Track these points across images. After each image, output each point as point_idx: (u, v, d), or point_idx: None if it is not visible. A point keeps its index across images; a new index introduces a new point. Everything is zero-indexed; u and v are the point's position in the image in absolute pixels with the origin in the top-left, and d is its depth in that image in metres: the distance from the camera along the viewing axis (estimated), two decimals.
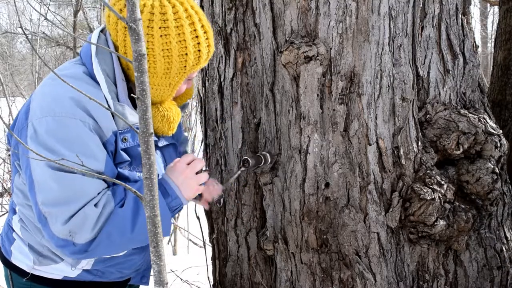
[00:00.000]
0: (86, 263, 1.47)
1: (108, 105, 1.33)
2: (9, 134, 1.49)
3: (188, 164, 1.41)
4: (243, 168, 1.69)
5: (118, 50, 1.38)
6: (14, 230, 1.52)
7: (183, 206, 1.43)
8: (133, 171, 1.42)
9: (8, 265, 1.54)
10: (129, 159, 1.39)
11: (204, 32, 1.37)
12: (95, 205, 1.28)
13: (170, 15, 1.30)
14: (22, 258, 1.50)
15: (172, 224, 4.75)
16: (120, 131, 1.35)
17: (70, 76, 1.35)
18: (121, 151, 1.37)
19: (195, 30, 1.34)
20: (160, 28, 1.30)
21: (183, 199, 1.39)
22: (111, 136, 1.34)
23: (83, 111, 1.29)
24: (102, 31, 1.44)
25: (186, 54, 1.34)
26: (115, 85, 1.36)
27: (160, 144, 1.52)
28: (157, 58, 1.32)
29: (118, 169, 1.38)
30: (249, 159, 1.70)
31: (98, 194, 1.31)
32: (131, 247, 1.39)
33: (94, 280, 1.53)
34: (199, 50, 1.36)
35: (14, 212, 1.52)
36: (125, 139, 1.37)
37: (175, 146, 1.63)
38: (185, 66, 1.36)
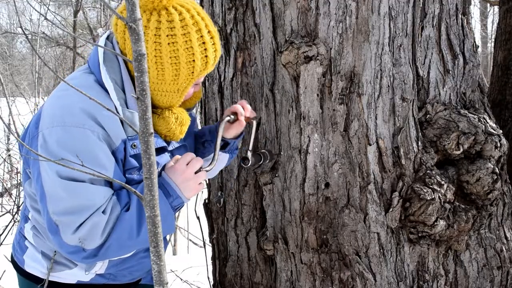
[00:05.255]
0: (100, 268, 1.50)
1: (118, 112, 1.34)
2: (19, 142, 1.51)
3: (187, 164, 1.42)
4: (243, 165, 1.70)
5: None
6: (26, 238, 1.54)
7: (184, 204, 1.46)
8: (142, 175, 1.43)
9: (22, 273, 1.57)
10: (137, 165, 1.41)
11: (211, 38, 1.38)
12: (103, 212, 1.31)
13: (177, 22, 1.31)
14: (35, 265, 1.52)
15: None
16: (130, 138, 1.38)
17: (79, 86, 1.36)
18: (130, 158, 1.39)
19: (201, 36, 1.35)
20: (167, 36, 1.31)
21: (184, 198, 1.42)
22: (121, 144, 1.36)
23: (92, 120, 1.30)
24: (108, 38, 1.46)
25: (194, 60, 1.35)
26: (124, 92, 1.38)
27: (170, 147, 1.53)
28: (165, 66, 1.34)
29: (127, 175, 1.40)
30: (248, 157, 1.70)
31: (105, 201, 1.33)
32: (139, 248, 1.42)
33: (107, 283, 1.56)
34: (206, 56, 1.37)
35: (26, 220, 1.54)
36: (134, 146, 1.39)
37: (186, 148, 1.64)
38: (193, 72, 1.37)
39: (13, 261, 1.61)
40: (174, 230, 1.50)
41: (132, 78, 1.40)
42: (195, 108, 1.73)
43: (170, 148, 1.53)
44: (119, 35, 1.38)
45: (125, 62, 1.40)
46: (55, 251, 1.48)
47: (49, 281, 1.51)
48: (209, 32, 1.37)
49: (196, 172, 1.42)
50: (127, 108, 1.37)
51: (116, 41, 1.41)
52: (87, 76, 1.41)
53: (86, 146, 1.29)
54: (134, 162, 1.40)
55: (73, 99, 1.32)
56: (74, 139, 1.29)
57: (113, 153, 1.34)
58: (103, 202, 1.31)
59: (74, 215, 1.28)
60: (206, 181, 2.18)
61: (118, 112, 1.34)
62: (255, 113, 1.67)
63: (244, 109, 1.60)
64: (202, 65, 1.37)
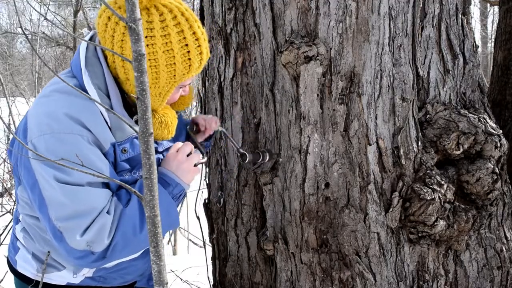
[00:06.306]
0: (88, 271, 1.49)
1: (104, 118, 1.31)
2: (9, 149, 1.49)
3: (177, 151, 1.41)
4: (242, 151, 1.71)
5: (107, 59, 1.36)
6: (18, 239, 1.54)
7: (186, 192, 1.44)
8: (134, 175, 1.42)
9: (15, 273, 1.57)
10: (129, 167, 1.39)
11: (196, 39, 1.32)
12: (107, 212, 1.29)
13: (156, 23, 1.26)
14: (26, 266, 1.52)
15: None
16: (119, 143, 1.35)
17: (62, 91, 1.33)
18: (121, 162, 1.37)
19: (184, 38, 1.29)
20: (146, 37, 1.26)
21: (184, 185, 1.40)
22: (110, 148, 1.34)
23: (79, 125, 1.28)
24: (91, 39, 1.42)
25: (174, 63, 1.30)
26: (109, 97, 1.34)
27: (160, 149, 1.53)
28: None
29: (119, 177, 1.39)
30: (247, 154, 1.70)
31: (107, 202, 1.32)
32: (145, 247, 1.40)
33: (97, 285, 1.55)
34: (189, 59, 1.31)
35: (17, 222, 1.54)
36: (124, 150, 1.36)
37: None
38: (174, 76, 1.32)
39: (7, 261, 1.62)
40: (179, 225, 1.47)
41: (116, 82, 1.37)
42: (194, 109, 1.72)
43: (160, 149, 1.52)
44: (101, 35, 1.33)
45: (108, 66, 1.35)
46: (48, 252, 1.47)
47: (39, 282, 1.50)
48: (194, 33, 1.31)
49: (188, 156, 1.42)
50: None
51: (99, 42, 1.36)
52: (69, 80, 1.36)
53: (78, 151, 1.26)
54: (125, 164, 1.38)
55: (56, 105, 1.29)
56: (64, 145, 1.26)
57: (104, 156, 1.33)
58: (106, 204, 1.30)
59: (78, 219, 1.26)
60: (206, 180, 2.18)
61: (104, 118, 1.31)
62: (216, 124, 1.73)
63: (206, 123, 1.70)
64: (185, 68, 1.32)
